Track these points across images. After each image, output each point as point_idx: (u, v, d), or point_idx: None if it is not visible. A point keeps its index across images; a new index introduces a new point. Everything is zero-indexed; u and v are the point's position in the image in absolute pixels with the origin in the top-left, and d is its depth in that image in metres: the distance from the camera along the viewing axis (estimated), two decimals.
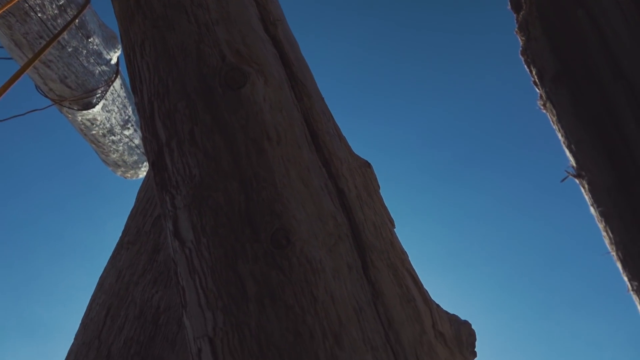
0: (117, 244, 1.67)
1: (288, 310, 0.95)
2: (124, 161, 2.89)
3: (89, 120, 2.47)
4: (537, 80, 0.86)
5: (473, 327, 1.19)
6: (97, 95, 2.36)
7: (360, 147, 1.42)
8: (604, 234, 0.75)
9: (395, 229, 1.30)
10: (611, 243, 0.73)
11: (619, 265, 0.74)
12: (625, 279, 0.73)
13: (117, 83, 2.61)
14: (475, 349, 1.16)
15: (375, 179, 1.36)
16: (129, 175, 3.10)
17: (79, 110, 2.28)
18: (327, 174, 1.24)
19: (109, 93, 2.46)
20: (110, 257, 1.66)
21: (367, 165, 1.37)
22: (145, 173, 2.76)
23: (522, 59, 0.89)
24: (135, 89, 1.31)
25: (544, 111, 0.85)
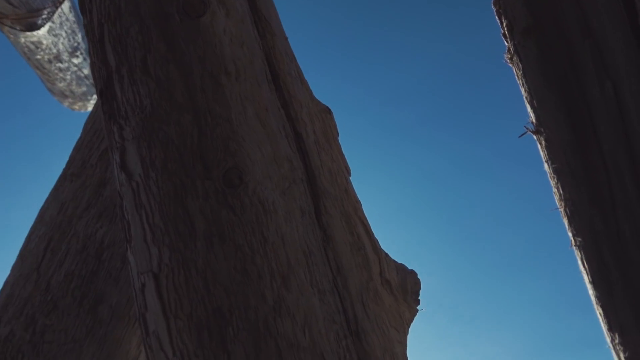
0: (60, 176, 1.59)
1: (237, 250, 0.94)
2: (72, 91, 2.73)
3: (33, 43, 2.30)
4: (506, 33, 0.84)
5: (419, 277, 1.22)
6: (43, 17, 2.19)
7: (320, 99, 1.38)
8: (555, 190, 0.77)
9: (350, 178, 1.30)
10: (560, 199, 0.75)
11: (565, 221, 0.76)
12: (570, 234, 0.75)
13: (66, 5, 2.42)
14: (419, 298, 1.20)
15: (335, 126, 1.34)
16: (76, 107, 2.94)
17: (21, 30, 2.11)
18: (285, 116, 1.20)
19: (56, 15, 2.29)
20: (53, 189, 1.59)
21: (328, 111, 1.34)
22: (94, 105, 2.62)
23: (494, 9, 0.87)
24: (85, 9, 1.21)
25: (510, 65, 0.84)
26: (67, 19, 2.46)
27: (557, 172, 0.74)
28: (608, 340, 0.72)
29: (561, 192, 0.74)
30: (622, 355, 0.68)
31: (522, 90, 0.80)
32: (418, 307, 1.19)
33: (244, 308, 0.89)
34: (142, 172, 1.03)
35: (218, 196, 0.98)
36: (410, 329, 1.21)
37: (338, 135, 1.33)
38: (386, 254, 1.21)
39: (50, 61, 2.49)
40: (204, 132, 1.04)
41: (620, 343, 0.68)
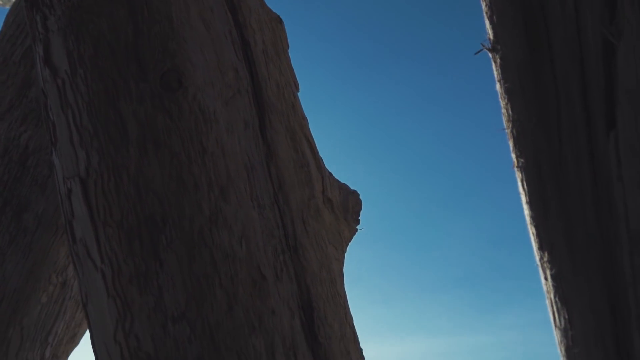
0: None
1: (173, 158, 0.89)
2: None
3: None
4: None
5: (361, 197, 1.22)
6: None
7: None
8: (504, 111, 0.76)
9: (298, 94, 1.25)
10: (508, 120, 0.74)
11: (510, 143, 0.75)
12: (514, 156, 0.75)
13: None
14: (360, 218, 1.20)
15: (286, 37, 1.26)
16: (0, 2, 2.65)
17: None
18: (232, 21, 1.12)
19: None
20: None
21: (279, 20, 1.26)
22: None
23: None
24: None
25: None
26: None
27: (508, 92, 0.73)
28: (537, 258, 0.74)
29: (510, 112, 0.73)
30: (548, 273, 0.71)
31: (483, 4, 0.76)
32: (358, 227, 1.20)
33: (178, 217, 0.86)
34: (68, 68, 0.93)
35: (154, 100, 0.91)
36: (348, 248, 1.23)
37: (288, 48, 1.26)
38: (330, 173, 1.19)
39: None
40: (140, 29, 0.94)
41: (549, 261, 0.70)
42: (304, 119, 1.20)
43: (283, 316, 0.91)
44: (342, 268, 1.12)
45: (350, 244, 1.21)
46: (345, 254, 1.19)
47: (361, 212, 1.23)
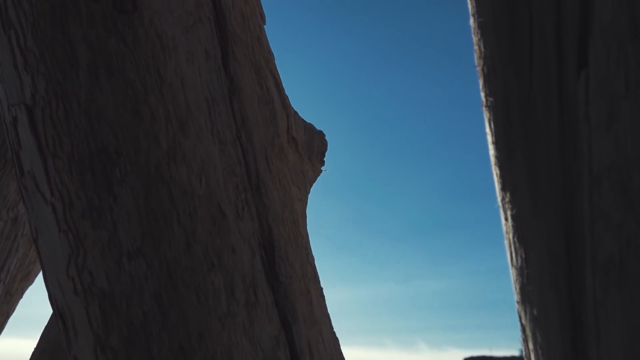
0: None
1: (127, 86, 0.83)
2: None
3: None
4: None
5: (326, 138, 1.20)
6: None
7: None
8: (476, 47, 0.73)
9: (264, 27, 1.18)
10: (480, 57, 0.72)
11: (480, 81, 0.73)
12: (483, 95, 0.73)
13: None
14: (325, 159, 1.18)
15: None
16: None
17: None
18: None
19: None
20: None
21: None
22: None
23: None
24: None
25: None
26: None
27: (481, 26, 0.70)
28: (499, 199, 0.75)
29: (482, 49, 0.71)
30: (509, 213, 0.71)
31: None
32: (322, 168, 1.19)
33: (133, 150, 0.82)
34: None
35: (106, 22, 0.84)
36: (312, 197, 1.22)
37: None
38: (295, 112, 1.16)
39: None
40: None
41: (510, 202, 0.71)
42: (270, 53, 1.14)
43: (243, 254, 0.90)
44: (305, 209, 1.11)
45: (315, 194, 1.19)
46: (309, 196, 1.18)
47: (326, 157, 1.21)
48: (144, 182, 0.81)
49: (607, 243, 0.62)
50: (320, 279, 1.17)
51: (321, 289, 1.13)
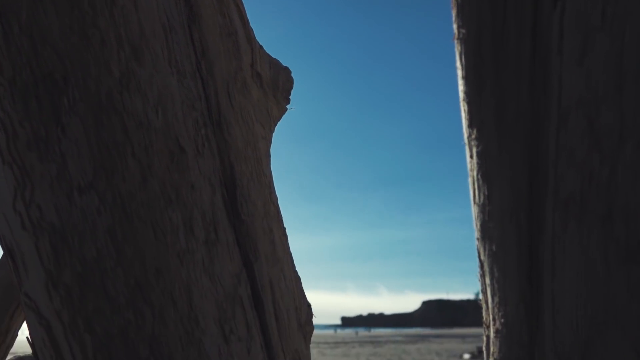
0: None
1: (74, 7, 0.76)
2: None
3: None
4: None
5: (293, 75, 1.15)
6: None
7: None
8: None
9: None
10: None
11: (454, 12, 0.70)
12: (455, 26, 0.70)
13: None
14: (290, 97, 1.15)
15: None
16: None
17: None
18: None
19: None
20: None
21: None
22: None
23: None
24: None
25: None
26: None
27: None
28: (465, 136, 0.73)
29: None
30: (474, 150, 0.71)
31: None
32: (287, 106, 1.15)
33: (82, 77, 0.76)
34: None
35: None
36: (282, 137, 1.18)
37: None
38: (260, 46, 1.11)
39: None
40: None
41: (476, 138, 0.70)
42: None
43: (203, 191, 0.87)
44: (269, 148, 1.08)
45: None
46: (274, 135, 1.14)
47: (295, 104, 1.17)
48: (95, 112, 0.76)
49: (569, 179, 0.63)
50: (286, 225, 1.16)
51: (284, 228, 1.13)
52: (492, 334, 0.78)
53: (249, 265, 0.98)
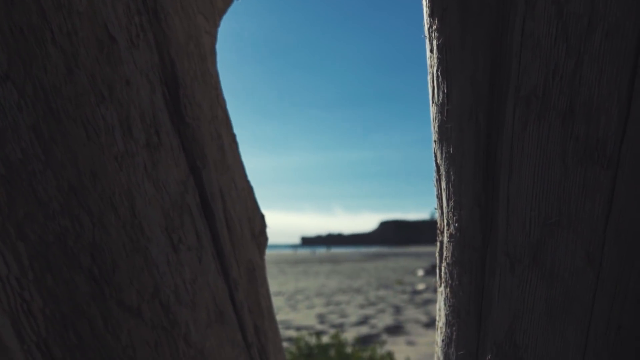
0: None
1: None
2: None
3: None
4: None
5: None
6: None
7: None
8: None
9: None
10: None
11: None
12: None
13: None
14: None
15: None
16: None
17: None
18: None
19: None
20: None
21: None
22: None
23: None
24: None
25: None
26: None
27: None
28: (426, 28, 0.69)
29: None
30: (435, 43, 0.66)
31: None
32: None
33: None
34: None
35: None
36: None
37: None
38: None
39: None
40: None
41: (437, 29, 0.65)
42: None
43: (141, 88, 0.80)
44: (214, 45, 1.00)
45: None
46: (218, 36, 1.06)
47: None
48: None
49: (532, 72, 0.60)
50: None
51: (233, 134, 1.08)
52: (445, 239, 0.78)
53: (197, 172, 0.94)
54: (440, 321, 0.81)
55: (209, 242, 0.96)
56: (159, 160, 0.85)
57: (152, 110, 0.83)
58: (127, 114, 0.78)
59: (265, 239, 1.19)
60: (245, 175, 1.11)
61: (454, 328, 0.76)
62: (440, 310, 0.81)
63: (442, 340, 0.80)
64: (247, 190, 1.11)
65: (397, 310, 11.04)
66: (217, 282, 0.97)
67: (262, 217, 1.17)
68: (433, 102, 0.72)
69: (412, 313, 10.66)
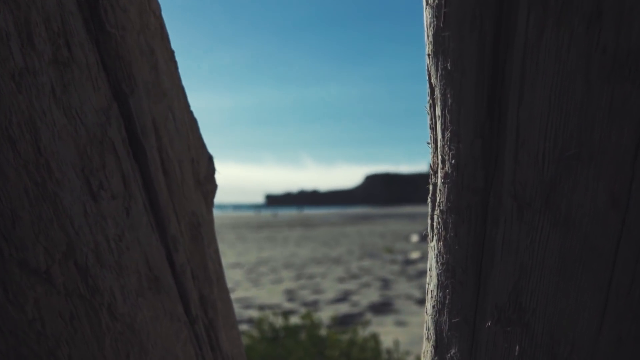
0: None
1: None
2: None
3: None
4: None
5: None
6: None
7: None
8: None
9: None
10: None
11: None
12: None
13: None
14: None
15: None
16: None
17: None
18: None
19: None
20: None
21: None
22: None
23: None
24: None
25: None
26: None
27: None
28: None
29: None
30: None
31: None
32: None
33: None
34: None
35: None
36: None
37: None
38: None
39: None
40: None
41: None
42: None
43: None
44: None
45: None
46: None
47: None
48: None
49: None
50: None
51: (172, 51, 1.05)
52: (439, 181, 0.79)
53: (122, 97, 0.92)
54: (431, 283, 0.83)
55: (139, 188, 0.96)
56: (70, 82, 0.83)
57: (61, 14, 0.80)
58: (27, 19, 0.76)
59: (214, 186, 1.19)
60: (186, 104, 1.10)
61: (447, 290, 0.78)
62: (431, 269, 0.83)
63: (433, 307, 0.82)
64: (190, 124, 1.10)
65: (385, 284, 11.33)
66: (150, 240, 0.98)
67: (209, 158, 1.16)
68: (427, 3, 0.71)
69: (403, 287, 10.95)
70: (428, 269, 0.86)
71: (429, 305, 0.85)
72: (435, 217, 0.80)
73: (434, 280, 0.82)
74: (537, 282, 0.68)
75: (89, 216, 0.88)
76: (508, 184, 0.69)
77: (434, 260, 0.82)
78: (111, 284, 0.90)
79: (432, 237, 0.82)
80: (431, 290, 0.83)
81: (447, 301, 0.79)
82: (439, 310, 0.81)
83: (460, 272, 0.76)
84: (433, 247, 0.82)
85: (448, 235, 0.77)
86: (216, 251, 1.20)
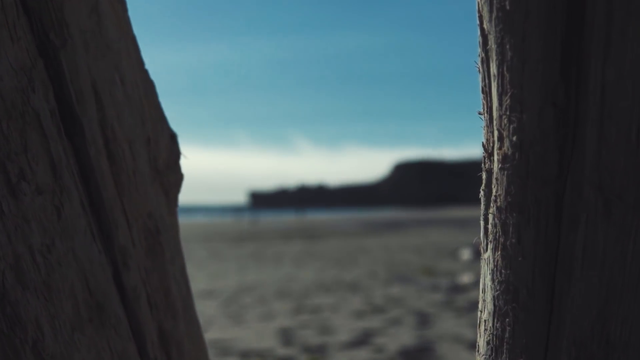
0: None
1: None
2: None
3: None
4: None
5: None
6: None
7: None
8: None
9: None
10: None
11: None
12: None
13: None
14: None
15: None
16: None
17: None
18: None
19: None
20: None
21: None
22: None
23: None
24: None
25: None
26: None
27: None
28: None
29: None
30: None
31: None
32: None
33: None
34: None
35: None
36: None
37: None
38: None
39: None
40: None
41: None
42: None
43: None
44: None
45: None
46: None
47: None
48: None
49: None
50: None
51: None
52: (495, 166, 0.81)
53: (51, 53, 0.95)
54: (485, 310, 0.85)
55: (74, 180, 0.98)
56: None
57: None
58: None
59: (179, 177, 1.21)
60: (140, 62, 1.12)
61: (507, 320, 0.80)
62: (484, 291, 0.85)
63: (487, 343, 0.84)
64: (144, 89, 1.12)
65: (423, 320, 11.37)
66: (91, 253, 1.00)
67: (171, 137, 1.18)
68: None
69: (449, 325, 10.99)
70: (481, 291, 0.88)
71: (481, 341, 0.87)
72: (491, 217, 0.82)
73: (489, 307, 0.84)
74: (630, 306, 0.70)
75: (6, 218, 0.90)
76: (590, 170, 0.71)
77: (488, 278, 0.84)
78: (37, 314, 0.93)
79: (486, 245, 0.83)
80: (485, 321, 0.85)
81: (506, 335, 0.81)
82: (495, 348, 0.83)
83: (525, 293, 0.78)
84: (487, 259, 0.83)
85: (508, 243, 0.79)
86: (182, 269, 1.22)
